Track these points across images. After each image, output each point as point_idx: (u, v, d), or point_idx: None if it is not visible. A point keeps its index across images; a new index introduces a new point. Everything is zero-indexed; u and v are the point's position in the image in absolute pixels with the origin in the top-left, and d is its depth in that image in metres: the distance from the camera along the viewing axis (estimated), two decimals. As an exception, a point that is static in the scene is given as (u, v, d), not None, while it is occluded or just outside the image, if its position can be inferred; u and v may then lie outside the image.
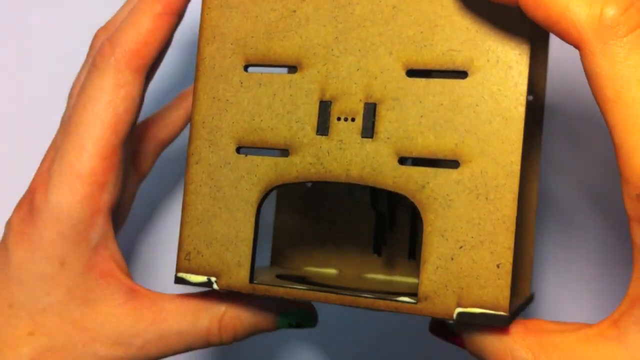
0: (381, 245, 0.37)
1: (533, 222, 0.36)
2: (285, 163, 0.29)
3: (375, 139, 0.28)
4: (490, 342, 0.28)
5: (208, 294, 0.32)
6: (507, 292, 0.26)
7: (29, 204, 0.31)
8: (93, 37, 0.34)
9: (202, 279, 0.30)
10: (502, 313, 0.26)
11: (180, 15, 0.33)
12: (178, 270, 0.30)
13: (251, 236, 0.29)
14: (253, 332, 0.33)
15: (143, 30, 0.31)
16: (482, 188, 0.27)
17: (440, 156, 0.27)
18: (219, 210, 0.30)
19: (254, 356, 0.46)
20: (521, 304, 0.32)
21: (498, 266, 0.27)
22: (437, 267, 0.27)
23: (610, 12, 0.24)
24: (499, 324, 0.26)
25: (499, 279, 0.27)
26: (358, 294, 0.29)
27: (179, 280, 0.30)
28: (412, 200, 0.28)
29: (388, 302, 0.28)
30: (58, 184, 0.31)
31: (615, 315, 0.26)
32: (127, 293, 0.32)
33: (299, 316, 0.34)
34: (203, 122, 0.30)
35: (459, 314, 0.27)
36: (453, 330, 0.29)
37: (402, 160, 0.28)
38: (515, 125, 0.27)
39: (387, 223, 0.37)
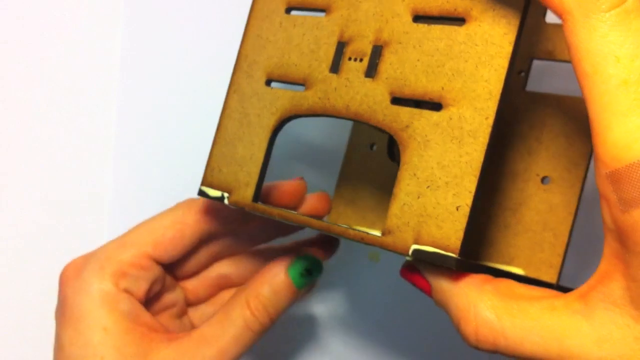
0: None
1: (572, 201, 0.34)
2: (299, 97, 0.31)
3: (375, 79, 0.29)
4: (456, 295, 0.28)
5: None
6: (460, 235, 0.26)
7: (63, 298, 0.36)
8: None
9: (218, 193, 0.33)
10: (451, 254, 0.26)
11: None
12: (202, 184, 0.34)
13: (261, 159, 0.32)
14: (279, 303, 0.36)
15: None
16: (457, 131, 0.27)
17: (427, 98, 0.28)
18: (243, 135, 0.33)
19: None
20: (529, 279, 0.31)
21: (457, 209, 0.26)
22: (404, 204, 0.28)
23: None
24: (447, 265, 0.26)
25: (455, 220, 0.26)
26: (334, 223, 0.30)
27: (201, 193, 0.34)
28: (395, 138, 0.28)
29: (356, 232, 0.29)
30: (88, 272, 0.36)
31: (584, 289, 0.25)
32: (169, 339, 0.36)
33: (306, 263, 0.36)
34: (246, 56, 0.34)
35: (415, 250, 0.27)
36: (423, 276, 0.29)
37: (395, 100, 0.29)
38: (497, 72, 0.27)
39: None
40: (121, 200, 0.48)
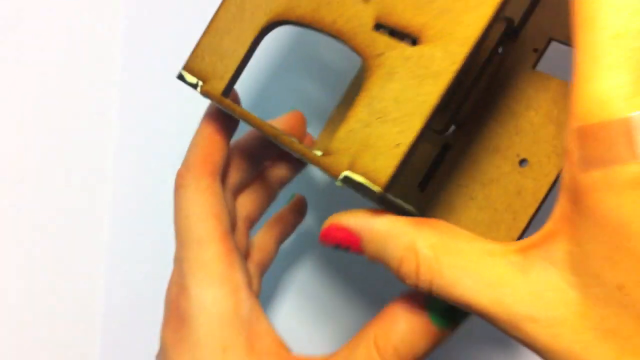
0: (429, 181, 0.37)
1: (542, 190, 0.33)
2: (295, 2, 0.31)
3: (367, 1, 0.29)
4: (394, 235, 0.27)
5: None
6: (390, 171, 0.25)
7: (175, 314, 0.31)
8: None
9: (194, 80, 0.33)
10: (376, 188, 0.25)
11: (230, 129, 0.35)
12: (183, 68, 0.33)
13: (241, 56, 0.32)
14: (414, 346, 0.29)
15: (204, 145, 0.34)
16: (423, 70, 0.26)
17: (408, 31, 0.27)
18: (233, 29, 0.32)
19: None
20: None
21: (397, 145, 0.26)
22: (351, 130, 0.27)
23: None
24: (369, 197, 0.26)
25: (391, 156, 0.26)
26: (284, 134, 0.29)
27: (179, 77, 0.33)
28: (365, 64, 0.28)
29: (301, 147, 0.28)
30: (193, 281, 0.31)
31: (524, 243, 0.24)
32: None
33: None
34: None
35: (345, 176, 0.26)
36: (350, 229, 0.28)
37: (377, 27, 0.28)
38: (480, 20, 0.25)
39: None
40: (121, 200, 0.48)
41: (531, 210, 0.33)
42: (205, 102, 0.35)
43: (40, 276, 0.46)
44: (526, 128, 0.34)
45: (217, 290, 0.30)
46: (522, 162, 0.34)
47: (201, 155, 0.34)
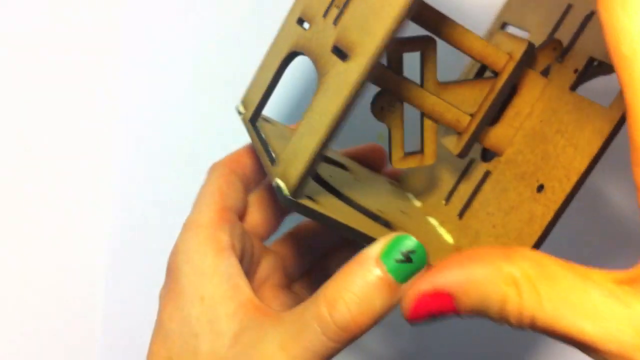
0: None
1: (546, 217, 0.30)
2: (301, 35, 0.34)
3: (335, 26, 0.30)
4: (490, 275, 0.24)
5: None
6: (295, 177, 0.27)
7: (168, 270, 0.34)
8: None
9: (242, 110, 0.37)
10: (286, 192, 0.27)
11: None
12: (241, 99, 0.38)
13: (267, 84, 0.35)
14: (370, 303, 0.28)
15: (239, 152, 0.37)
16: (341, 85, 0.27)
17: (345, 49, 0.28)
18: (267, 62, 0.37)
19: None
20: None
21: (308, 153, 0.27)
22: (293, 142, 0.29)
23: None
24: (281, 201, 0.27)
25: (300, 163, 0.27)
26: (263, 150, 0.32)
27: (237, 109, 0.38)
28: (318, 83, 0.30)
29: (264, 155, 0.31)
30: (183, 238, 0.34)
31: (621, 276, 0.24)
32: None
33: (404, 245, 0.29)
34: (297, 2, 0.37)
35: (276, 184, 0.28)
36: (442, 293, 0.26)
37: (335, 49, 0.30)
38: (383, 26, 0.26)
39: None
40: (122, 198, 0.49)
41: (534, 238, 0.30)
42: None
43: (40, 276, 0.47)
44: (551, 153, 0.32)
45: (200, 247, 0.32)
46: (540, 188, 0.32)
47: (234, 155, 0.37)
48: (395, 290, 0.27)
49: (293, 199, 0.27)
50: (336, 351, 0.27)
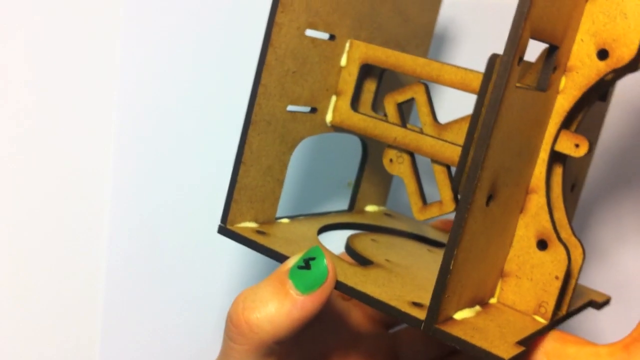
0: None
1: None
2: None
3: None
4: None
5: None
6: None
7: None
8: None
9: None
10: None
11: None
12: None
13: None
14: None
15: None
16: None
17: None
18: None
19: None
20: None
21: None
22: None
23: None
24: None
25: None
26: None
27: None
28: None
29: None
30: None
31: (627, 340, 0.29)
32: None
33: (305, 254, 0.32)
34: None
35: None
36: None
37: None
38: None
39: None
40: (122, 198, 0.48)
41: None
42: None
43: (40, 275, 0.46)
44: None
45: None
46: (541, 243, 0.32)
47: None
48: (293, 297, 0.29)
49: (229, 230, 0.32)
50: None
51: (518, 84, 0.27)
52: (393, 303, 0.29)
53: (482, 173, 0.27)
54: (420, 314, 0.28)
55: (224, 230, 0.34)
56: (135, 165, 0.48)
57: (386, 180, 0.43)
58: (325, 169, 0.51)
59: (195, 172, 0.49)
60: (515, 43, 0.26)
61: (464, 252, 0.27)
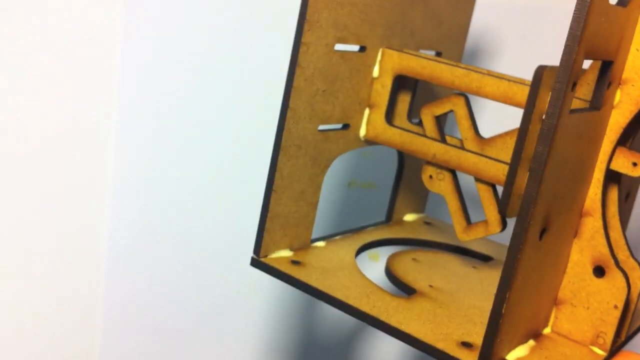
0: None
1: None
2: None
3: None
4: None
5: None
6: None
7: None
8: None
9: None
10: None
11: None
12: None
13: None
14: None
15: None
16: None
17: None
18: None
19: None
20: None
21: None
22: None
23: None
24: None
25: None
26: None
27: None
28: None
29: None
30: None
31: None
32: None
33: None
34: None
35: None
36: None
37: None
38: None
39: None
40: (122, 197, 0.48)
41: None
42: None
43: (40, 276, 0.47)
44: (613, 224, 0.31)
45: None
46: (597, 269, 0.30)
47: None
48: None
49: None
50: None
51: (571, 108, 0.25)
52: (440, 345, 0.27)
53: (534, 209, 0.24)
54: (470, 357, 0.26)
55: (256, 262, 0.32)
56: (135, 165, 0.48)
57: (424, 185, 0.41)
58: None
59: (195, 172, 0.49)
60: (569, 69, 0.23)
61: (516, 292, 0.25)
